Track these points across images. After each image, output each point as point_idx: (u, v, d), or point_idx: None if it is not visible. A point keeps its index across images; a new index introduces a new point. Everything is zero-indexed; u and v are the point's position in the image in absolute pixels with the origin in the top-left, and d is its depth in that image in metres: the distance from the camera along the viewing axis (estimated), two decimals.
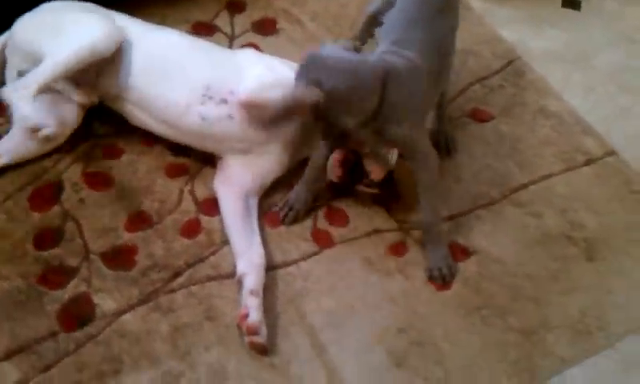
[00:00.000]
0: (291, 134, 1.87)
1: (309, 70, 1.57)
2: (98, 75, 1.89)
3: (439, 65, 1.77)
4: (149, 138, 1.99)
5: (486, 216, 1.91)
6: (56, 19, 1.91)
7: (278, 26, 2.34)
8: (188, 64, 1.89)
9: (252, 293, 1.65)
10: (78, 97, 1.91)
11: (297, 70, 1.60)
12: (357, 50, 1.69)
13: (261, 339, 1.60)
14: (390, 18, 1.78)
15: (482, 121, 2.12)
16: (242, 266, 1.71)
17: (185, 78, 1.86)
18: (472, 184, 1.97)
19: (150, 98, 1.87)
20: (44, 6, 1.97)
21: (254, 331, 1.60)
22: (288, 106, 1.54)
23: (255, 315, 1.62)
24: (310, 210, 1.86)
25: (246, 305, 1.64)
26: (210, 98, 1.84)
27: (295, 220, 1.84)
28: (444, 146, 2.02)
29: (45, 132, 1.83)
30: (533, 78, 2.24)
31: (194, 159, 1.96)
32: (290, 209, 1.84)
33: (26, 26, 1.93)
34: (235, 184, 1.86)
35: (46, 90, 1.82)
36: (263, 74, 1.84)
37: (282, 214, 1.85)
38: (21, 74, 1.87)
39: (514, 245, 1.85)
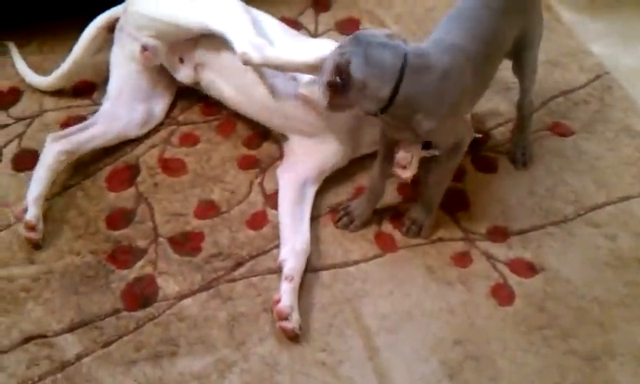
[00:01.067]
0: (353, 124, 1.87)
1: (346, 45, 1.59)
2: (195, 46, 1.96)
3: (489, 62, 1.72)
4: (224, 129, 2.04)
5: (557, 233, 1.85)
6: None
7: (361, 27, 2.33)
8: (271, 36, 1.92)
9: (287, 278, 1.67)
10: (180, 75, 2.00)
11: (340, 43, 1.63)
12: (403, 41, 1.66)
13: (290, 325, 1.61)
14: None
15: (562, 135, 2.06)
16: (284, 252, 1.73)
17: None
18: (546, 199, 1.91)
19: (233, 64, 1.88)
20: None
21: (283, 316, 1.62)
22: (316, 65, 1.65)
23: (287, 300, 1.63)
24: (364, 224, 1.84)
25: (280, 289, 1.66)
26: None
27: (346, 227, 1.83)
28: (520, 157, 1.97)
29: None
30: (620, 96, 2.16)
31: (266, 153, 1.99)
32: (347, 214, 1.84)
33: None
34: (294, 169, 1.88)
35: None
36: None
37: (337, 217, 1.85)
38: (146, 47, 1.93)
39: (584, 266, 1.79)
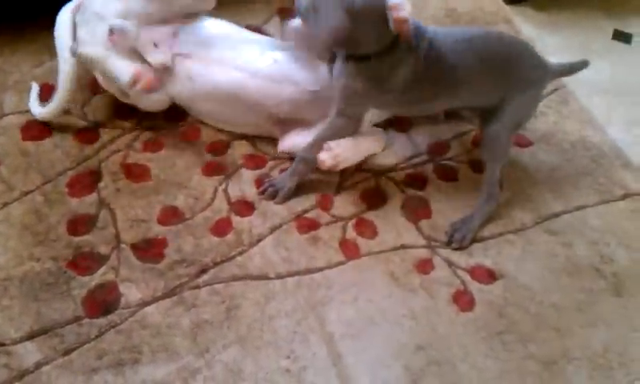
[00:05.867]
0: None
1: None
2: (174, 35, 1.96)
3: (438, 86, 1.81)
4: (189, 135, 2.04)
5: (516, 241, 1.89)
6: None
7: None
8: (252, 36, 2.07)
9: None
10: (154, 56, 1.95)
11: None
12: None
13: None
14: None
15: (521, 146, 2.10)
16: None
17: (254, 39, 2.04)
18: (505, 208, 1.95)
19: (225, 50, 1.96)
20: None
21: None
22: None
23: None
24: (287, 199, 1.92)
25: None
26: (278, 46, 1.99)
27: (271, 198, 1.90)
28: None
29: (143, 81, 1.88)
30: (576, 108, 2.22)
31: (230, 160, 1.99)
32: (271, 186, 1.91)
33: None
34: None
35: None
36: None
37: (261, 188, 1.92)
38: (112, 30, 1.88)
39: (542, 272, 1.83)
